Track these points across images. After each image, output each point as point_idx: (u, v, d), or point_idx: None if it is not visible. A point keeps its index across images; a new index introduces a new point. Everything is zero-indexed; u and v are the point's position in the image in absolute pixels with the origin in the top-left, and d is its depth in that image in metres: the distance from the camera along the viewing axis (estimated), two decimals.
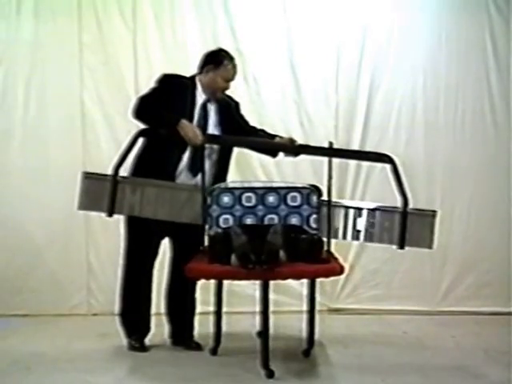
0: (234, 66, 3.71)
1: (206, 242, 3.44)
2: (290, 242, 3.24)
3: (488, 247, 4.77)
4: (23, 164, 4.63)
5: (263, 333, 3.18)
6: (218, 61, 3.68)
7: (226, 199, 3.45)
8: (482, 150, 4.80)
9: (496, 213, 4.78)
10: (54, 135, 4.63)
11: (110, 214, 3.56)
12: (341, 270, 3.32)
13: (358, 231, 3.60)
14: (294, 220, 3.44)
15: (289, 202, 3.45)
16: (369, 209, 3.62)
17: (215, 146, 3.67)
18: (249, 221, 3.44)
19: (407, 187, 3.55)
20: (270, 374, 3.16)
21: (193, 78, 3.72)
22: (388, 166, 3.58)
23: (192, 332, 3.80)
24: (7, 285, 4.61)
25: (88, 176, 3.59)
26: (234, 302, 4.21)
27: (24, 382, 3.22)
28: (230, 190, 3.47)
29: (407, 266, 4.79)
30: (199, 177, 3.57)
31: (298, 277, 3.35)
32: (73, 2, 4.60)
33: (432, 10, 4.82)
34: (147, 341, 3.75)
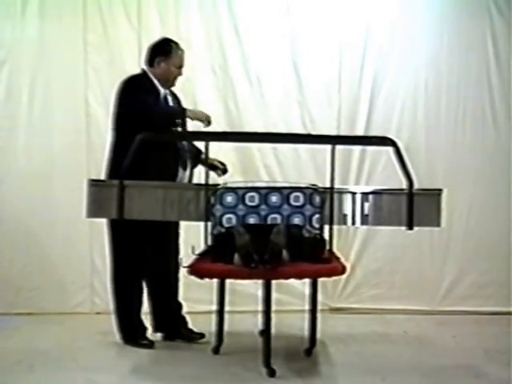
0: (182, 51, 3.78)
1: (210, 241, 3.46)
2: (293, 242, 3.26)
3: (488, 247, 4.78)
4: (27, 163, 4.64)
5: (265, 332, 3.19)
6: (167, 50, 3.74)
7: (230, 199, 3.46)
8: (482, 150, 4.83)
9: (496, 213, 4.80)
10: (59, 134, 4.64)
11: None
12: (342, 270, 3.34)
13: (366, 216, 3.61)
14: (297, 220, 3.46)
15: (292, 201, 3.47)
16: (375, 193, 3.62)
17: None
18: (252, 220, 3.46)
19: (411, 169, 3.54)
20: (272, 373, 3.18)
21: (144, 73, 3.76)
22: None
23: (186, 323, 3.85)
24: (11, 283, 4.62)
25: (94, 183, 3.56)
26: (237, 301, 4.22)
27: (27, 380, 3.22)
28: (234, 190, 3.48)
29: (408, 266, 4.82)
30: (188, 171, 3.73)
31: (300, 276, 3.35)
32: (78, 2, 4.62)
33: (434, 11, 4.85)
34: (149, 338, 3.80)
